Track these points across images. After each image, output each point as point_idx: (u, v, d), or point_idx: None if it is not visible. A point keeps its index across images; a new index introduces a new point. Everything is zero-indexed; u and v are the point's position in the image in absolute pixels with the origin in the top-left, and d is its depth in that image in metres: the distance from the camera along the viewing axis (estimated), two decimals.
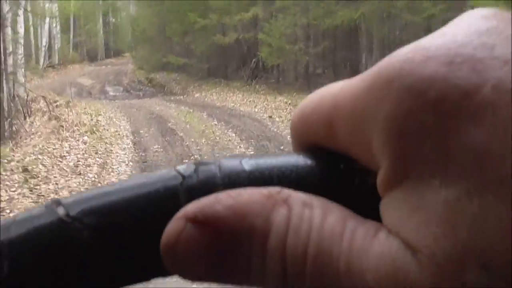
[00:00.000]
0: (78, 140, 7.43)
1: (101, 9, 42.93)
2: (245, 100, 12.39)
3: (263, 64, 14.66)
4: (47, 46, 29.23)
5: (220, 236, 0.17)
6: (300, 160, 0.20)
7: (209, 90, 15.01)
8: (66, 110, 10.08)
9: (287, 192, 0.17)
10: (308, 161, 0.20)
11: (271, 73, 14.81)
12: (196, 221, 0.17)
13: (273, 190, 0.17)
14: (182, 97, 15.49)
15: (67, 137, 7.57)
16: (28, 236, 0.18)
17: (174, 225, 0.17)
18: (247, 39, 14.98)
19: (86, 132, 7.85)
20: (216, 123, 8.88)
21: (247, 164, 0.20)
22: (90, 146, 7.06)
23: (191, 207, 0.17)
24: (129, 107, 12.01)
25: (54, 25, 32.07)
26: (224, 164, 0.20)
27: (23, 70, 12.06)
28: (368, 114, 0.16)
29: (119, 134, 8.10)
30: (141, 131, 8.42)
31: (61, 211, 0.19)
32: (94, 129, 8.15)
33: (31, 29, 27.06)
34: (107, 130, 8.36)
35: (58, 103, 10.55)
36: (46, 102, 9.34)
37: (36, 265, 0.17)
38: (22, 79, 11.66)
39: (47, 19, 28.56)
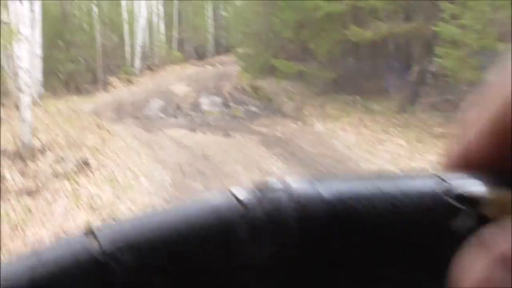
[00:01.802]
0: None
1: (211, 0, 38.71)
2: (412, 149, 6.50)
3: (435, 75, 8.50)
4: (146, 44, 25.52)
5: None
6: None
7: (337, 118, 9.26)
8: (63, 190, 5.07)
9: None
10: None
11: (449, 93, 8.48)
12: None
13: None
14: (295, 125, 9.99)
15: None
16: (55, 277, 0.15)
17: (475, 267, 0.12)
18: (406, 33, 8.91)
19: None
20: None
21: (325, 191, 0.15)
22: None
23: (504, 245, 0.11)
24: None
25: (156, 20, 28.37)
26: (295, 190, 0.16)
27: (29, 93, 7.36)
28: None
29: None
30: None
31: (94, 246, 0.15)
32: None
33: (125, 26, 23.36)
34: None
35: (62, 169, 5.53)
36: None
37: None
38: (27, 115, 6.94)
39: (144, 13, 24.71)
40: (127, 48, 23.45)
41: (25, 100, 6.82)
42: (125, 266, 0.15)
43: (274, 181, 0.16)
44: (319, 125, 9.20)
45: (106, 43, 18.94)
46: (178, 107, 15.14)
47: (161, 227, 0.15)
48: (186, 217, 0.15)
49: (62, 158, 5.88)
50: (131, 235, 0.15)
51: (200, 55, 36.21)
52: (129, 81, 19.59)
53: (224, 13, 45.55)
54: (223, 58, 38.78)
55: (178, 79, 22.63)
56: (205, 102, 15.98)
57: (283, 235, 0.15)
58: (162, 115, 14.25)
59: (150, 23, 26.42)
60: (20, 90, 6.48)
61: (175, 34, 31.23)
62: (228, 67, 27.86)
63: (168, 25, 32.27)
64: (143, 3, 24.51)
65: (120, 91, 18.36)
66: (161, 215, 0.16)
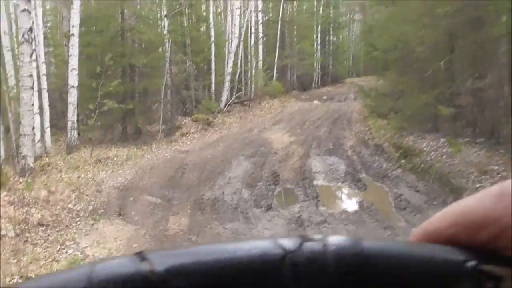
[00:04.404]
0: None
1: (319, 23, 32.46)
2: None
3: None
4: (238, 72, 19.68)
5: None
6: (426, 252, 0.20)
7: None
8: None
9: None
10: (437, 255, 0.20)
11: None
12: None
13: None
14: None
15: None
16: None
17: None
18: None
19: None
20: None
21: (362, 245, 0.18)
22: None
23: None
24: None
25: (251, 42, 22.49)
26: (334, 242, 0.18)
27: None
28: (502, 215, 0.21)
29: None
30: None
31: (145, 266, 0.17)
32: None
33: (212, 47, 17.77)
34: None
35: None
36: None
37: None
38: None
39: (238, 33, 19.00)
40: (213, 77, 17.83)
41: None
42: None
43: (315, 235, 0.17)
44: None
45: (180, 71, 13.21)
46: (275, 178, 8.93)
47: (212, 260, 0.16)
48: (236, 255, 0.17)
49: None
50: (183, 262, 0.16)
51: (304, 86, 30.19)
52: (208, 124, 13.71)
53: (333, 38, 39.30)
54: (331, 89, 32.20)
55: (277, 121, 16.44)
56: (318, 169, 9.59)
57: (321, 278, 0.17)
58: (246, 195, 8.17)
59: (245, 45, 20.74)
60: None
61: (276, 60, 25.37)
62: (343, 104, 21.40)
63: (269, 50, 26.72)
64: (237, 20, 18.80)
65: (191, 140, 12.55)
66: (213, 249, 0.17)
